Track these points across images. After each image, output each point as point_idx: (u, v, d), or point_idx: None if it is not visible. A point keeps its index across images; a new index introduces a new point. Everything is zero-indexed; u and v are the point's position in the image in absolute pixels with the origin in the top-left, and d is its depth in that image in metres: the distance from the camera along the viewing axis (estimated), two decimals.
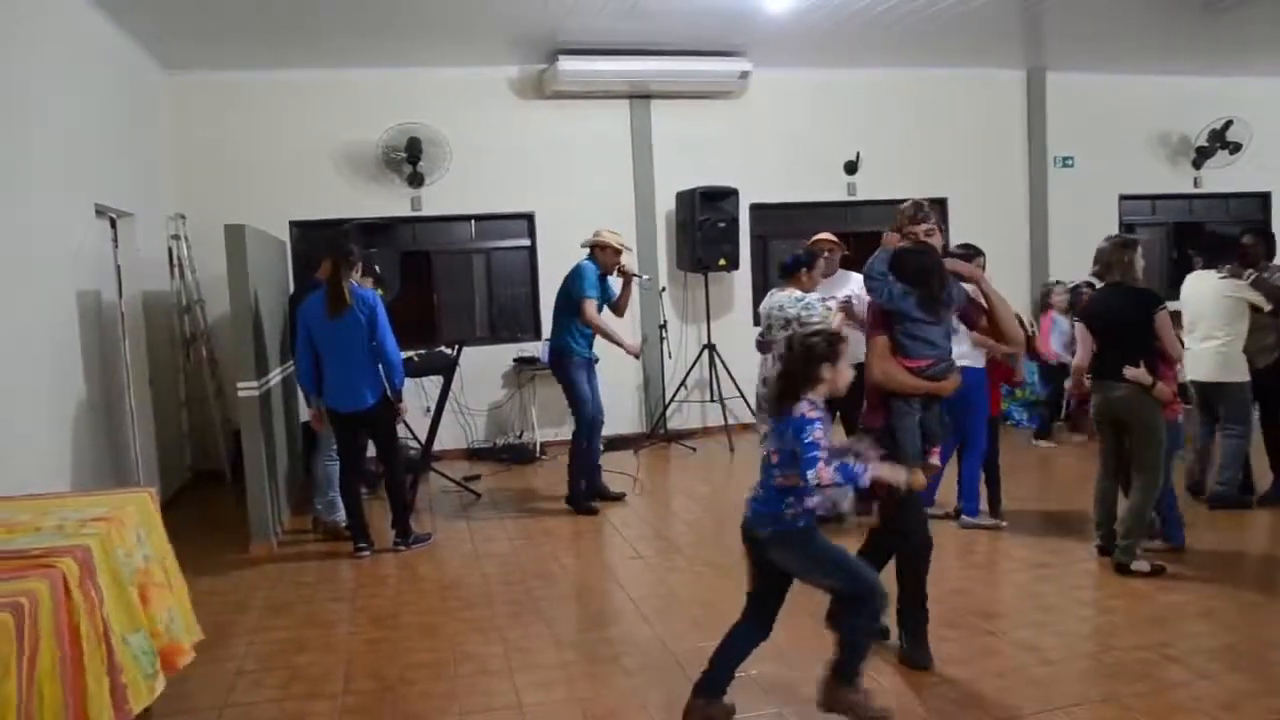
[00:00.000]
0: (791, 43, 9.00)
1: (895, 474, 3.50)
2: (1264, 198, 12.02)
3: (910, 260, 4.17)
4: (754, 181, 9.80)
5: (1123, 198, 11.36)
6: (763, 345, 6.35)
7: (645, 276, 8.05)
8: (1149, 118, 11.33)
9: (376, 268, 6.62)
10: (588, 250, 7.13)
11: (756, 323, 6.43)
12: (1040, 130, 10.95)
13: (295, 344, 6.34)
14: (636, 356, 7.47)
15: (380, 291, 6.56)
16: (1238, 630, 4.46)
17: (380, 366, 6.08)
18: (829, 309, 6.11)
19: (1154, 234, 11.71)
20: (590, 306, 6.93)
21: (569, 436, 7.24)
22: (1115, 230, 10.80)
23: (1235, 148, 11.22)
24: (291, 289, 7.81)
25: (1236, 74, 11.22)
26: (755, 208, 10.03)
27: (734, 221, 9.40)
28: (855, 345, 6.15)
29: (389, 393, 6.16)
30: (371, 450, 6.52)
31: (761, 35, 8.70)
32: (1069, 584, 5.15)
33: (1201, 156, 11.40)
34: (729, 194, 9.39)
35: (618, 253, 7.09)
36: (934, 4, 7.95)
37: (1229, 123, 11.13)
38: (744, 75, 9.40)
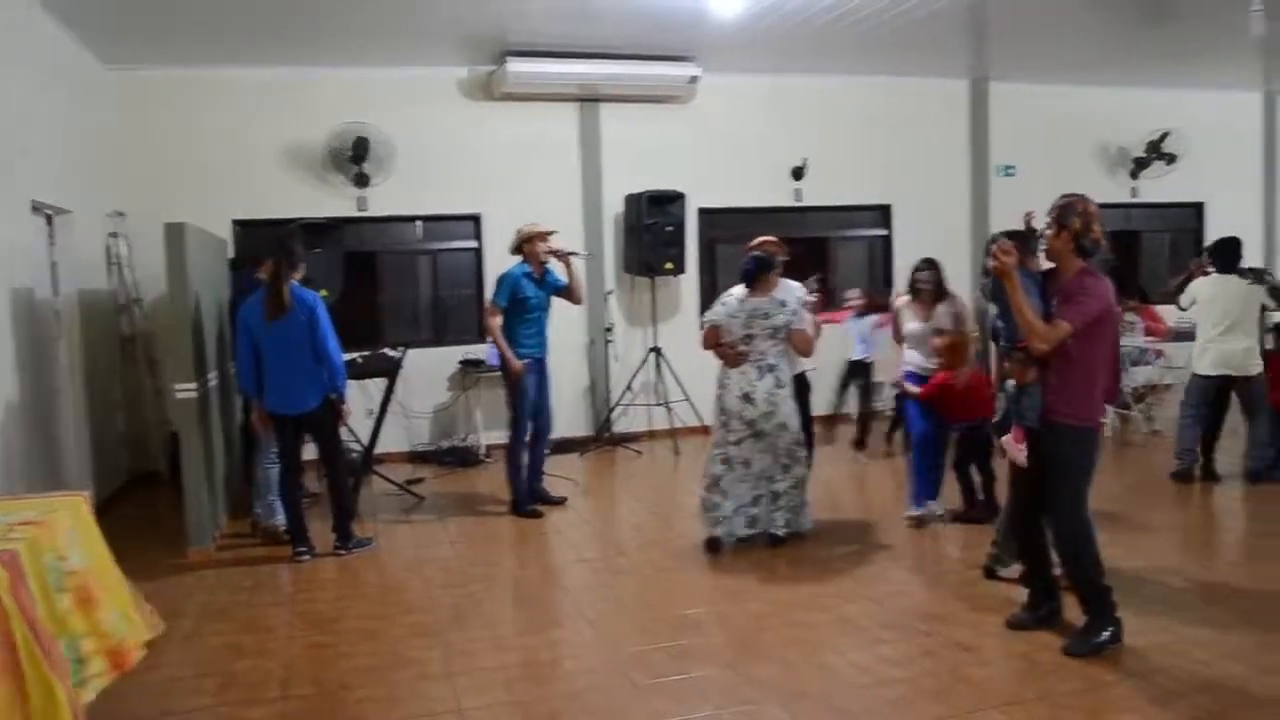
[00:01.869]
0: (740, 48, 9.05)
1: None
2: (1198, 208, 12.33)
3: None
4: (702, 186, 9.84)
5: None
6: (738, 356, 5.96)
7: (583, 253, 7.93)
8: (1089, 128, 11.55)
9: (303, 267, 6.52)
10: (520, 255, 6.99)
11: (703, 327, 6.20)
12: (983, 139, 11.12)
13: (236, 346, 6.25)
14: (515, 376, 6.89)
15: (324, 293, 6.49)
16: (1169, 630, 4.56)
17: (322, 368, 6.02)
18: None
19: None
20: (490, 312, 6.88)
21: None
22: None
23: (1171, 159, 11.48)
24: (231, 289, 7.69)
25: (1173, 86, 11.49)
26: (703, 212, 10.08)
27: (681, 225, 9.44)
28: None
29: (332, 395, 6.09)
30: (313, 453, 6.44)
31: (710, 40, 8.74)
32: (1005, 587, 5.19)
33: (1139, 167, 11.66)
34: (676, 198, 9.41)
35: (544, 237, 6.96)
36: (881, 14, 8.04)
37: (1165, 134, 11.39)
38: (693, 80, 9.43)
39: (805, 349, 6.07)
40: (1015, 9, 8.16)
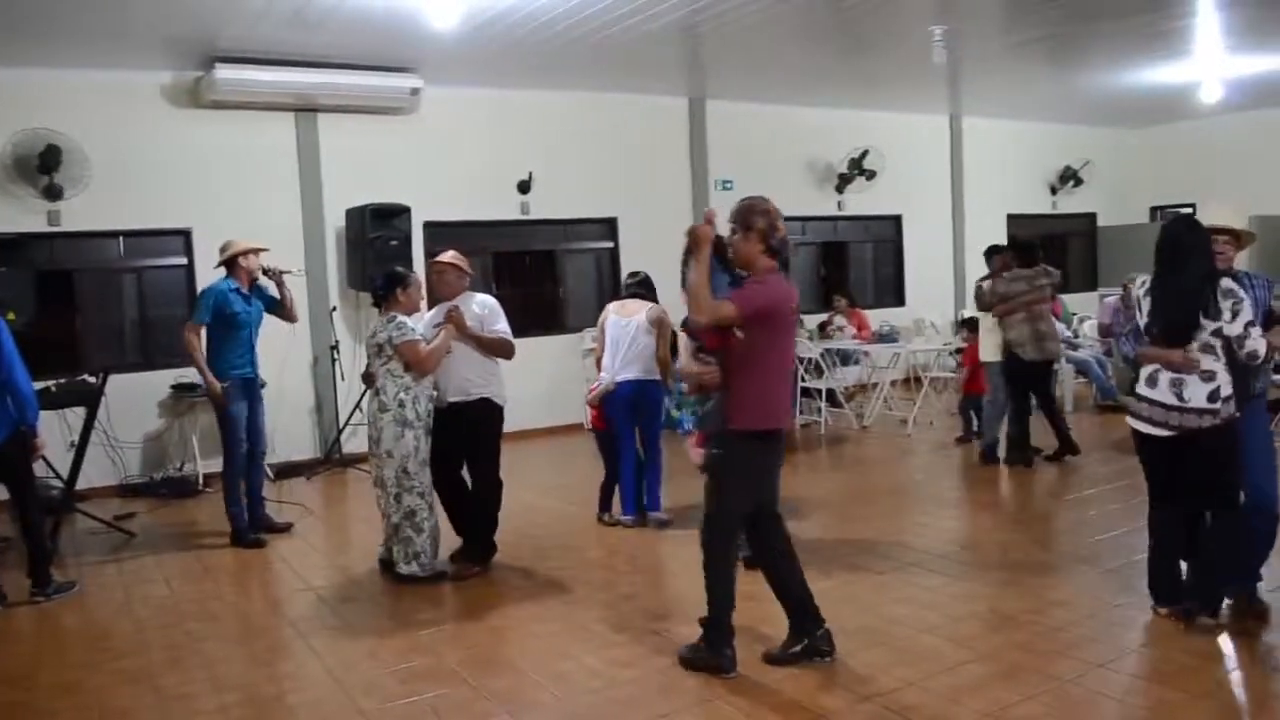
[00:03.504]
0: (462, 61, 9.02)
1: None
2: (897, 220, 13.46)
3: None
4: (427, 199, 9.71)
5: None
6: (367, 378, 5.89)
7: (296, 270, 7.49)
8: (799, 145, 12.34)
9: None
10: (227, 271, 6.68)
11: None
12: (701, 155, 11.64)
13: None
14: (216, 400, 6.58)
15: (10, 316, 5.95)
16: (873, 610, 4.94)
17: (7, 400, 5.48)
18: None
19: (806, 253, 12.77)
20: (189, 331, 6.54)
21: None
22: None
23: (871, 174, 12.44)
24: None
25: (872, 108, 12.51)
26: (429, 225, 9.93)
27: (407, 240, 9.26)
28: (461, 359, 5.74)
29: (21, 428, 5.56)
30: (3, 493, 5.87)
31: (431, 52, 8.65)
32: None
33: (843, 182, 12.56)
34: (401, 212, 9.24)
35: (256, 253, 6.70)
36: (599, 31, 8.21)
37: (865, 152, 12.33)
38: (415, 92, 9.31)
39: (418, 366, 5.59)
40: (723, 34, 8.56)
